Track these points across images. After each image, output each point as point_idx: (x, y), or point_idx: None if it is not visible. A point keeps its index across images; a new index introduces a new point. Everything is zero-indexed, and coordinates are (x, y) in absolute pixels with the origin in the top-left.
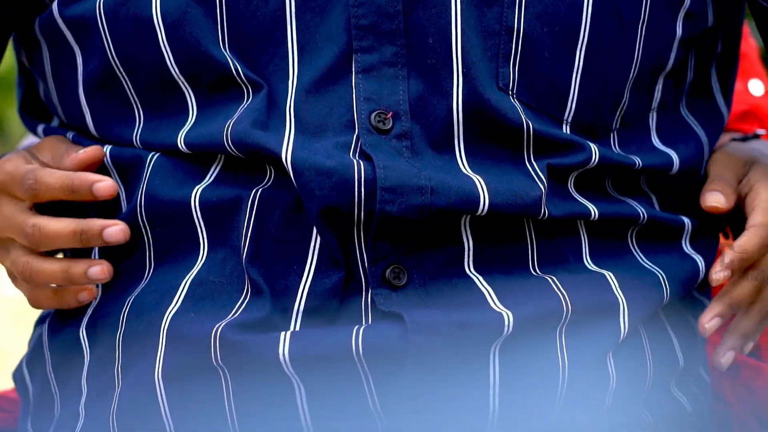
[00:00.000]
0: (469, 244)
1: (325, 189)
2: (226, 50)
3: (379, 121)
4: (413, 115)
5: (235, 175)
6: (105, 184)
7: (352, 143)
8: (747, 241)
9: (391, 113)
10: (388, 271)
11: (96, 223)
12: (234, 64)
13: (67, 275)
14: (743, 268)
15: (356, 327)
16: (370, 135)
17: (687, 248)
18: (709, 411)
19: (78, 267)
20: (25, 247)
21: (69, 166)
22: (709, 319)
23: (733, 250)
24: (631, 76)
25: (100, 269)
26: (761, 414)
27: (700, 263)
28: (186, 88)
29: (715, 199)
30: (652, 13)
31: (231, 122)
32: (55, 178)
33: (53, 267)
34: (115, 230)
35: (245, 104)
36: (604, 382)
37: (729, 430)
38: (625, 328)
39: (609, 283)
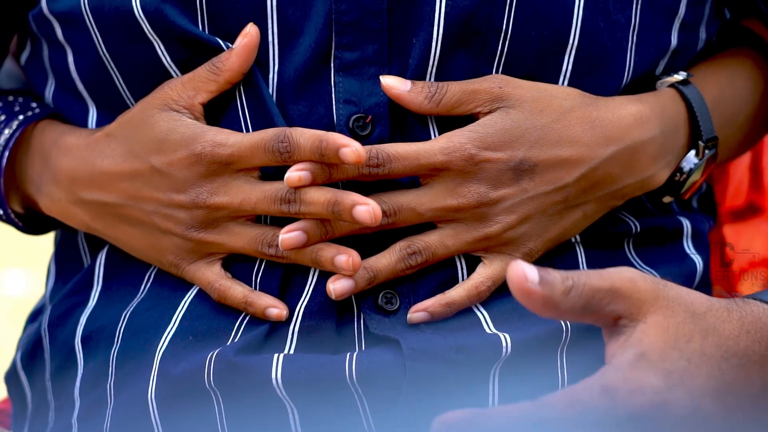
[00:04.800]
0: (462, 265)
1: None
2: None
3: (357, 127)
4: (393, 117)
5: None
6: (352, 150)
7: None
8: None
9: (370, 117)
10: (380, 296)
11: (349, 197)
12: (226, 46)
13: (316, 257)
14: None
15: (349, 353)
16: None
17: (689, 248)
18: None
19: (328, 251)
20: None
21: (235, 63)
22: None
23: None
24: (623, 83)
25: (347, 259)
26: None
27: (698, 263)
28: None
29: None
30: (644, 20)
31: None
32: (306, 138)
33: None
34: (363, 209)
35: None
36: None
37: None
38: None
39: None
